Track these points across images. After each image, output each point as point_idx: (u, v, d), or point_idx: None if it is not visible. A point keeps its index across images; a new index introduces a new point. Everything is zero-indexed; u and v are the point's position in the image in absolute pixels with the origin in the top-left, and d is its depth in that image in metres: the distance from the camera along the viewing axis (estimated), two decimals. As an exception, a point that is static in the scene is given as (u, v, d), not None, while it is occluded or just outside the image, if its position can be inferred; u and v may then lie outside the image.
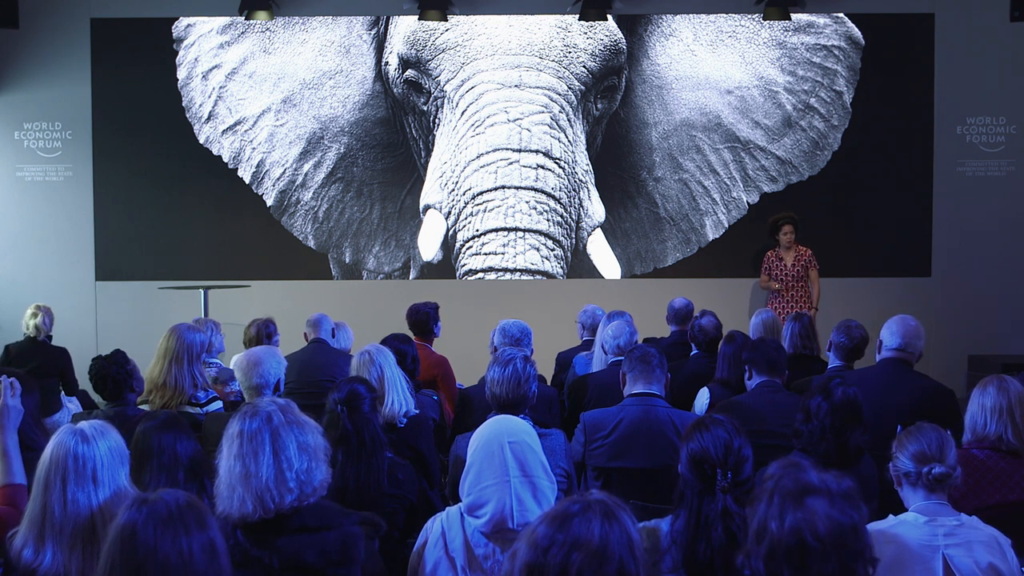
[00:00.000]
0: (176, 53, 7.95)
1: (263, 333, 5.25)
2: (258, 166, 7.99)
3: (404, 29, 7.83)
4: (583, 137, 7.87)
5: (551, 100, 7.75)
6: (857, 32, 7.89)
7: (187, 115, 7.95)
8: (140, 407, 3.79)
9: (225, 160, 7.97)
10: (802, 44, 7.92)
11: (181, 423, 2.77)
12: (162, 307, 7.58)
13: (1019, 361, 6.92)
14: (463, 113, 7.75)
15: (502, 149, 7.74)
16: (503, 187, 7.78)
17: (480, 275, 7.87)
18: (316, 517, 2.23)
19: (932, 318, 7.58)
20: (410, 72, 7.82)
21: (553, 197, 7.78)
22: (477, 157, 7.75)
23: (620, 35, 7.85)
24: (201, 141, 7.95)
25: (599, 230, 7.91)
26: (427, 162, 7.92)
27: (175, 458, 2.66)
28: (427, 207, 7.87)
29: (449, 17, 7.65)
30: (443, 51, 7.79)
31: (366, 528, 2.37)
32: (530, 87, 7.77)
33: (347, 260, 8.09)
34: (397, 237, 8.08)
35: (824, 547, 1.69)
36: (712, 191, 7.97)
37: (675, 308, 5.60)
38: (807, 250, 7.36)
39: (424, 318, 5.29)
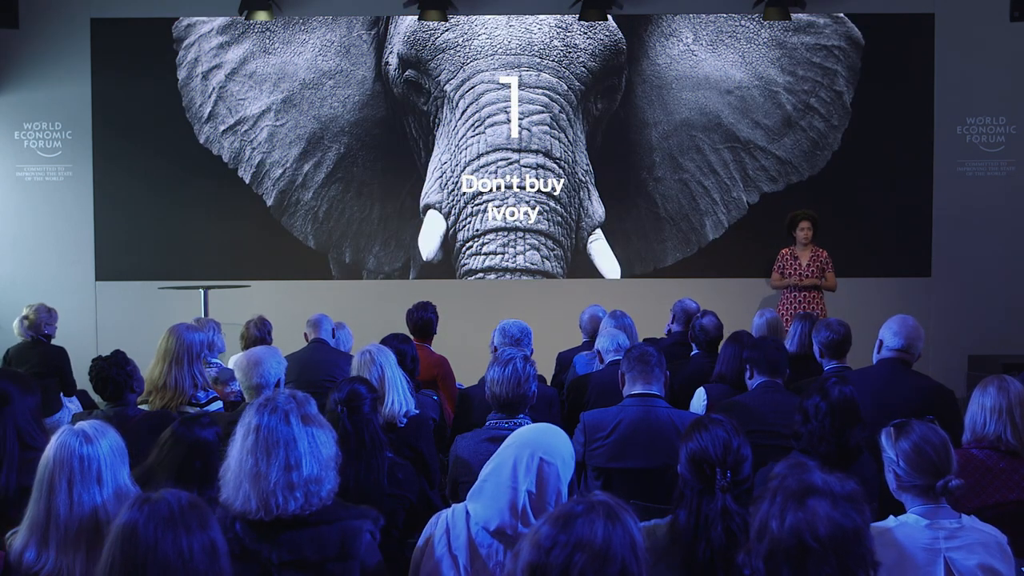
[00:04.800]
0: (176, 53, 7.94)
1: (262, 332, 5.25)
2: (258, 166, 7.99)
3: (404, 29, 7.83)
4: (583, 137, 7.87)
5: (551, 100, 7.75)
6: (857, 32, 7.89)
7: (187, 115, 7.95)
8: (140, 407, 3.79)
9: (225, 160, 7.97)
10: (802, 44, 7.91)
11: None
12: (162, 307, 7.57)
13: (1019, 361, 6.90)
14: (463, 113, 7.75)
15: (502, 149, 7.75)
16: (503, 187, 7.79)
17: (480, 275, 7.87)
18: (315, 512, 2.23)
19: (932, 318, 7.60)
20: (410, 72, 7.82)
21: (553, 197, 7.79)
22: (477, 157, 7.75)
23: (620, 35, 7.85)
24: (201, 141, 7.95)
25: (599, 230, 7.91)
26: (427, 162, 7.92)
27: None
28: (427, 207, 7.87)
29: (449, 17, 7.65)
30: (443, 51, 7.80)
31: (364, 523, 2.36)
32: (530, 87, 7.77)
33: (347, 260, 8.09)
34: (397, 237, 8.07)
35: (823, 548, 1.69)
36: (712, 191, 7.97)
37: (687, 309, 5.47)
38: (823, 251, 7.15)
39: (427, 324, 5.26)
